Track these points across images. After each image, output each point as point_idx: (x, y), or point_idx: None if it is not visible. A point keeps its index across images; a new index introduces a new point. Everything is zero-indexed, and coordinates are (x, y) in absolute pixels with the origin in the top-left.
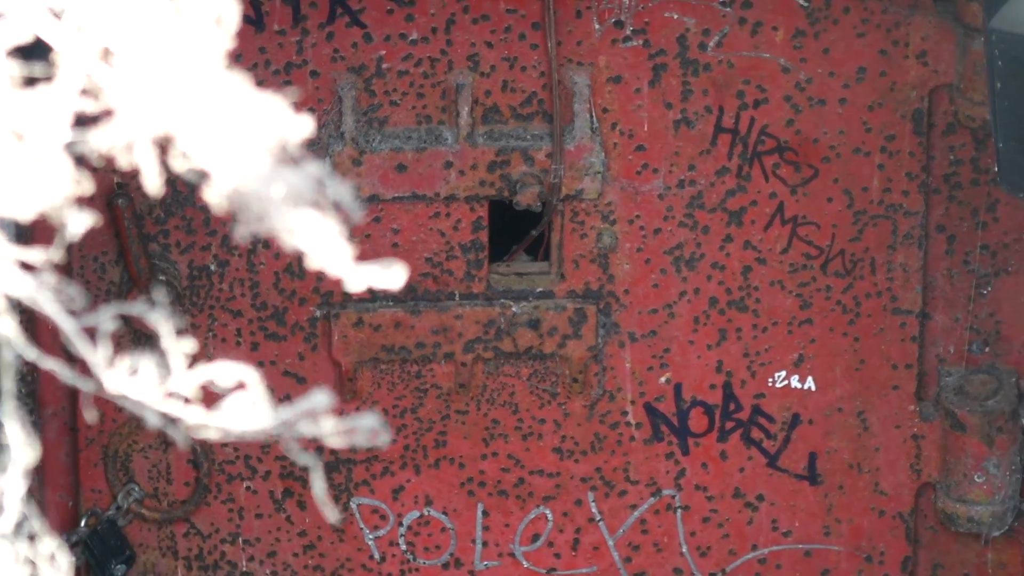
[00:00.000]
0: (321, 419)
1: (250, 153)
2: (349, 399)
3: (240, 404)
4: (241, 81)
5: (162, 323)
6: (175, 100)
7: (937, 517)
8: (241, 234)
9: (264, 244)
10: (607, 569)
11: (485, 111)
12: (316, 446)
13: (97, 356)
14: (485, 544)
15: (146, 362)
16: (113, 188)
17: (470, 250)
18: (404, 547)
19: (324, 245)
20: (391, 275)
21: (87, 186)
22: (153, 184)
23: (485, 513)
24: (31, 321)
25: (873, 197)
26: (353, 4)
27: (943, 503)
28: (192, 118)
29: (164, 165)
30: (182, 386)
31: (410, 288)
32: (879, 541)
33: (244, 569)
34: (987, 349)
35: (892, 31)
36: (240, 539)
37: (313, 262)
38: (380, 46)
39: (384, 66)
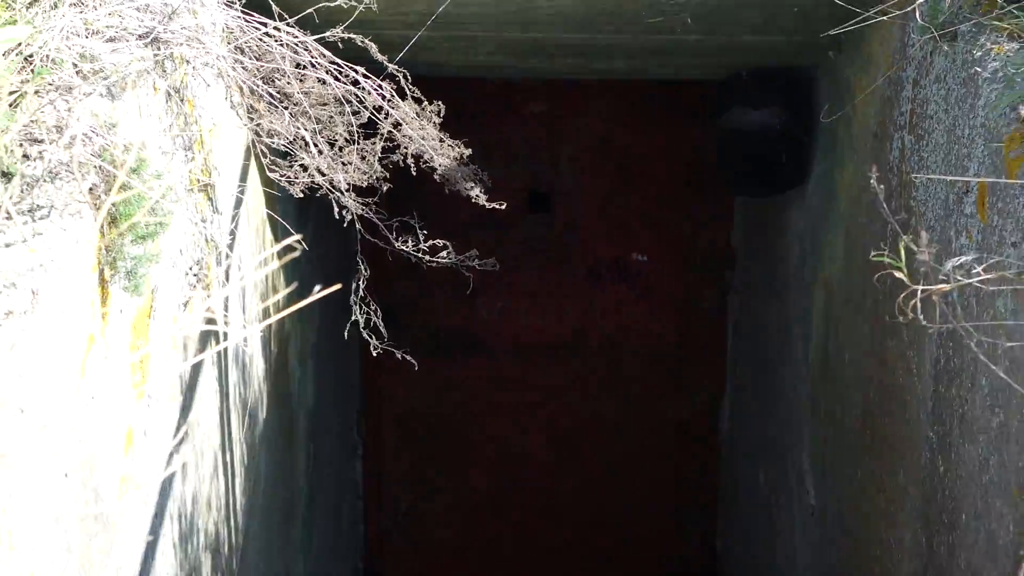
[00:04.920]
0: None
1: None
2: None
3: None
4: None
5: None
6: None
7: None
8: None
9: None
10: (567, 328)
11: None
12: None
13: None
14: (527, 316)
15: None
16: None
17: (523, 210)
18: (497, 315)
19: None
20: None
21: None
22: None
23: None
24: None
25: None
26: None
27: None
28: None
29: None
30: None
31: (500, 222)
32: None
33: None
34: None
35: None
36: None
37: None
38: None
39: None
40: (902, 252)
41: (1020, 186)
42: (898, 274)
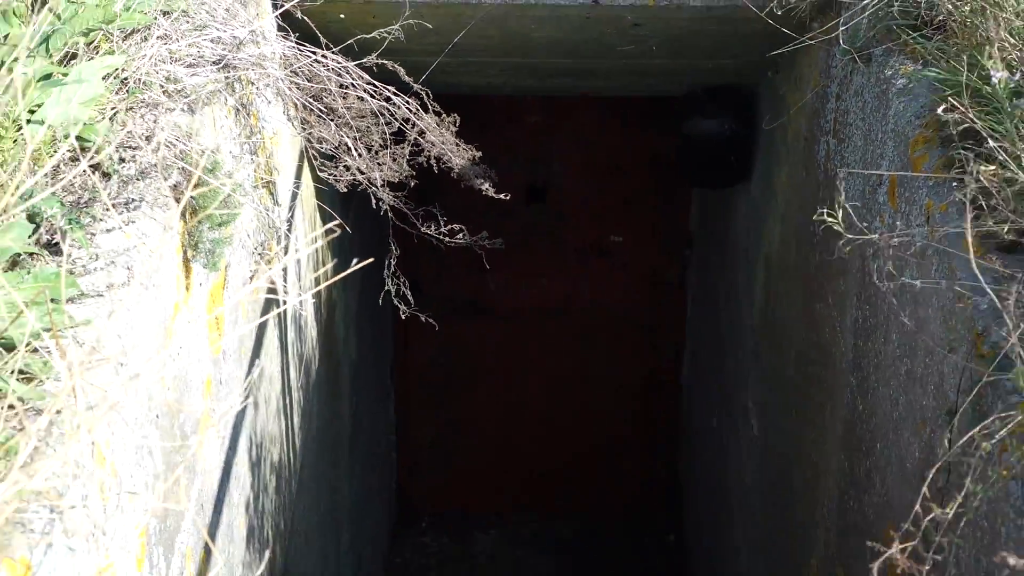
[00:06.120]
0: None
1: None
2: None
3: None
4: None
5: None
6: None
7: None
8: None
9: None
10: (558, 296)
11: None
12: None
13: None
14: (527, 286)
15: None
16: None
17: (523, 201)
18: (502, 285)
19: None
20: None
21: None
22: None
23: (526, 279)
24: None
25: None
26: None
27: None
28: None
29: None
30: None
31: (504, 210)
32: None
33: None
34: (689, 251)
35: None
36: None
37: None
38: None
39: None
40: (838, 211)
41: (923, 179)
42: (835, 226)
